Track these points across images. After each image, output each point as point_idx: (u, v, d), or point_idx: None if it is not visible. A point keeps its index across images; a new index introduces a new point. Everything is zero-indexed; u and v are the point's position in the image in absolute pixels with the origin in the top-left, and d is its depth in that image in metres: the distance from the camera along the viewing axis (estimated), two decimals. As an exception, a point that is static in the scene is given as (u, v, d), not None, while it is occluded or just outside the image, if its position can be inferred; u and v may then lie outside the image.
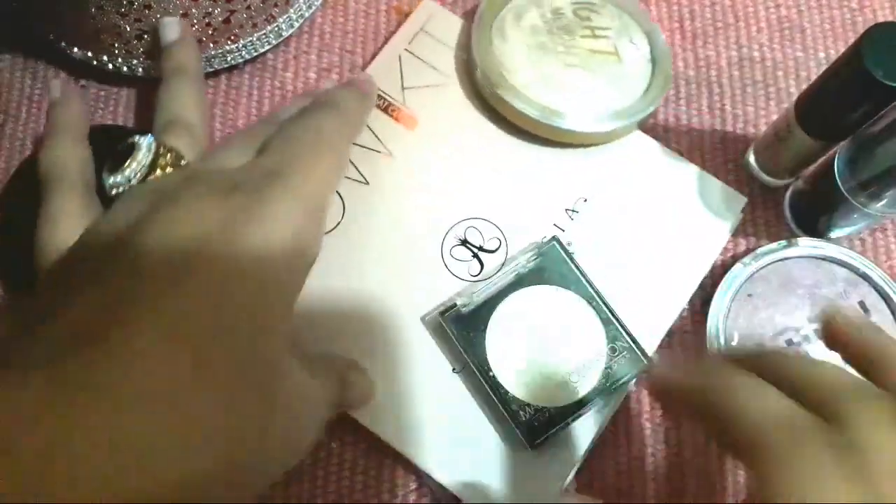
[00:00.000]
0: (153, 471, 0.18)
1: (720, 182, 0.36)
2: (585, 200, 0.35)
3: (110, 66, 0.37)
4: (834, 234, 0.35)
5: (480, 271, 0.34)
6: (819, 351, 0.32)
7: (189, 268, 0.21)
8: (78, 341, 0.19)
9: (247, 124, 0.38)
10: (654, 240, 0.35)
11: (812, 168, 0.35)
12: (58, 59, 0.39)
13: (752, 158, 0.37)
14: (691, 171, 0.36)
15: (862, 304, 0.34)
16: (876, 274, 0.34)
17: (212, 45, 0.37)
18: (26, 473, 0.16)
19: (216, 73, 0.39)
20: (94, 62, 0.37)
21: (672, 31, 0.40)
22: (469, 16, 0.38)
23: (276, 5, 0.37)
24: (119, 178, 0.26)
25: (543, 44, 0.37)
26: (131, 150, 0.27)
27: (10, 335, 0.22)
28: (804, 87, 0.38)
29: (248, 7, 0.36)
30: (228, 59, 0.38)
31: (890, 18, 0.40)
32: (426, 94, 0.37)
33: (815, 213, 0.35)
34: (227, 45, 0.37)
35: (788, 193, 0.37)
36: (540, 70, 0.36)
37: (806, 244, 0.35)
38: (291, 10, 0.38)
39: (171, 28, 0.34)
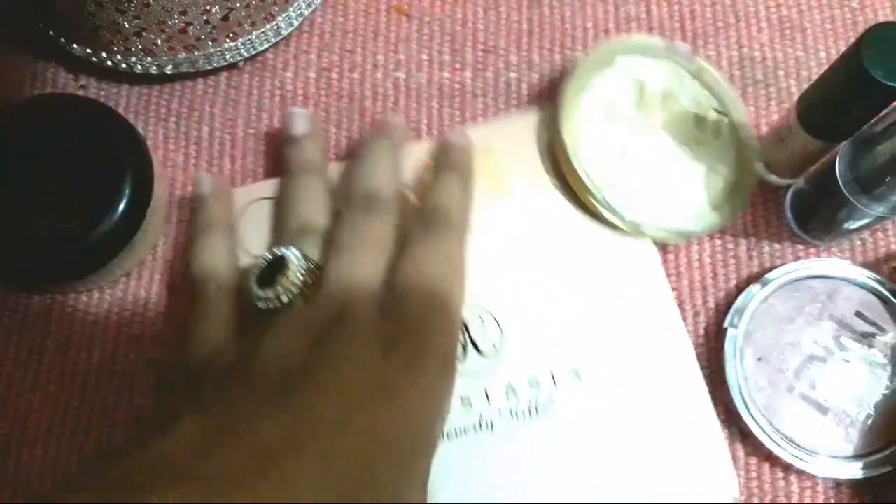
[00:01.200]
0: None
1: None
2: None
3: (109, 62, 0.38)
4: (836, 234, 0.36)
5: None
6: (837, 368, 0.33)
7: (348, 421, 0.23)
8: (248, 474, 0.20)
9: (247, 124, 0.39)
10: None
11: (813, 169, 0.35)
12: (57, 56, 0.39)
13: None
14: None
15: (859, 314, 0.34)
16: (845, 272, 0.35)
17: (210, 43, 0.37)
18: None
19: (215, 72, 0.39)
20: (94, 59, 0.38)
21: (672, 32, 0.40)
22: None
23: (275, 3, 0.37)
24: (270, 293, 0.27)
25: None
26: (281, 262, 0.28)
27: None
28: (805, 86, 0.39)
29: (247, 5, 0.36)
30: (227, 57, 0.38)
31: (891, 18, 0.41)
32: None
33: (817, 214, 0.35)
34: (226, 42, 0.37)
35: (789, 194, 0.37)
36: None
37: (775, 276, 0.34)
38: (291, 9, 0.38)
39: (301, 121, 0.35)
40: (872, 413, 0.32)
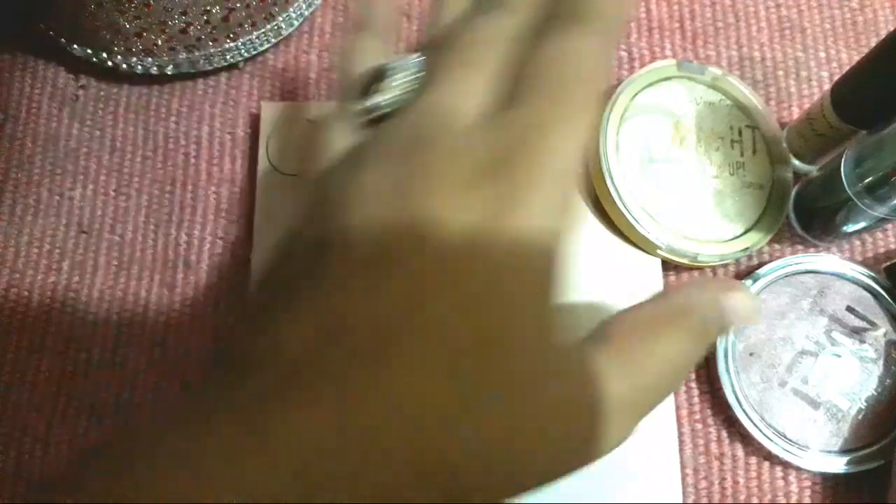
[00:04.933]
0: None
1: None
2: None
3: (109, 62, 0.41)
4: (837, 234, 0.39)
5: None
6: (831, 361, 0.37)
7: (462, 266, 0.21)
8: (370, 350, 0.20)
9: (247, 124, 0.43)
10: None
11: (818, 169, 0.39)
12: (57, 57, 0.43)
13: (784, 144, 0.41)
14: None
15: (851, 309, 0.38)
16: (841, 268, 0.38)
17: (211, 43, 0.41)
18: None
19: (215, 72, 0.43)
20: (94, 59, 0.41)
21: (672, 32, 0.44)
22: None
23: (275, 4, 0.41)
24: (366, 102, 0.24)
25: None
26: (382, 72, 0.25)
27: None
28: (804, 86, 0.43)
29: (248, 6, 0.40)
30: (227, 57, 0.42)
31: (891, 18, 0.44)
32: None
33: (820, 214, 0.39)
34: (227, 43, 0.41)
35: (793, 193, 0.41)
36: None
37: (766, 272, 0.38)
38: (291, 9, 0.42)
39: None
40: (864, 407, 0.36)
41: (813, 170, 0.40)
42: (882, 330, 0.37)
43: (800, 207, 0.40)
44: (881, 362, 0.37)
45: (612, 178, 0.38)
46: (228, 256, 0.40)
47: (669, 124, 0.40)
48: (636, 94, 0.40)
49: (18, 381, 0.39)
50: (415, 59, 0.25)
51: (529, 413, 0.20)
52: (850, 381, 0.36)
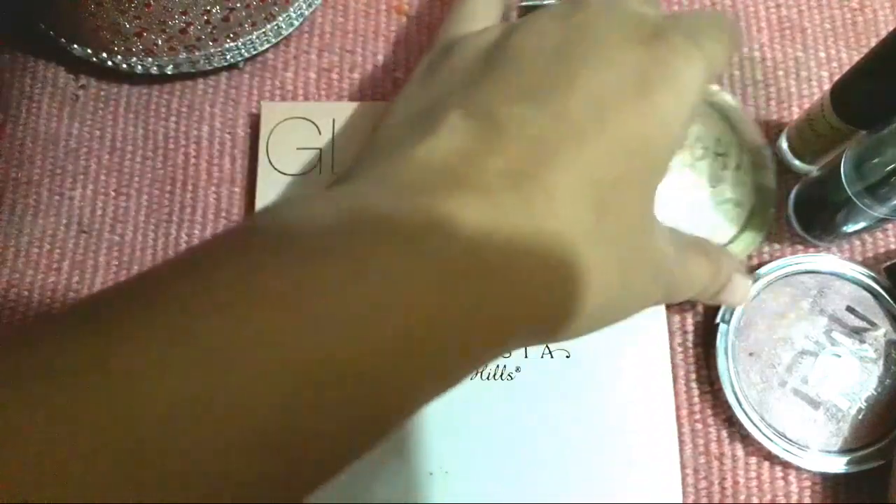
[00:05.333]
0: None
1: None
2: None
3: (110, 62, 0.42)
4: (837, 234, 0.40)
5: None
6: (831, 361, 0.37)
7: (609, 114, 0.23)
8: (519, 171, 0.22)
9: (247, 124, 0.43)
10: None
11: (818, 169, 0.40)
12: (57, 56, 0.43)
13: (784, 144, 0.41)
14: None
15: (851, 309, 0.38)
16: (840, 267, 0.38)
17: (211, 43, 0.41)
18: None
19: (216, 72, 0.43)
20: (94, 59, 0.42)
21: (673, 31, 0.45)
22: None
23: (275, 4, 0.42)
24: None
25: None
26: None
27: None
28: (804, 86, 0.44)
29: (248, 5, 0.41)
30: (228, 57, 0.42)
31: (891, 18, 0.45)
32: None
33: (820, 214, 0.39)
34: (227, 43, 0.42)
35: (793, 193, 0.41)
36: None
37: (766, 272, 0.38)
38: (291, 9, 0.42)
39: None
40: (864, 407, 0.36)
41: (813, 170, 0.41)
42: (882, 330, 0.37)
43: (800, 208, 0.40)
44: (881, 362, 0.37)
45: None
46: (228, 256, 0.41)
47: None
48: None
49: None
50: None
51: (640, 246, 0.25)
52: (850, 381, 0.37)
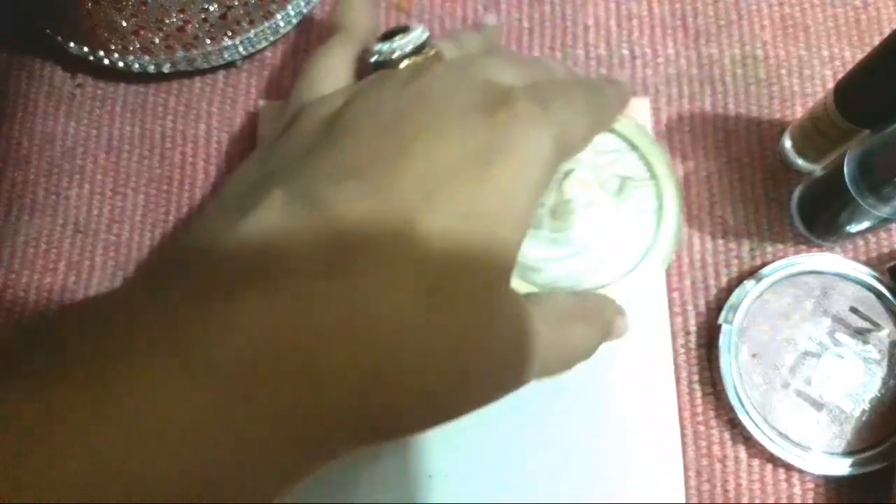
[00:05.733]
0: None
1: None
2: None
3: (106, 61, 0.42)
4: (841, 234, 0.40)
5: None
6: (833, 362, 0.37)
7: (442, 192, 0.22)
8: (336, 258, 0.20)
9: (245, 123, 0.43)
10: None
11: (821, 168, 0.39)
12: (54, 55, 0.43)
13: (787, 143, 0.41)
14: None
15: (854, 309, 0.38)
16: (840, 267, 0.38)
17: (208, 41, 0.41)
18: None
19: (213, 70, 0.43)
20: (91, 57, 0.42)
21: (674, 30, 0.45)
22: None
23: (273, 1, 0.41)
24: (385, 46, 0.28)
25: None
26: (405, 29, 0.29)
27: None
28: (807, 85, 0.44)
29: (245, 3, 0.41)
30: (225, 55, 0.42)
31: (894, 16, 0.45)
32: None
33: (823, 214, 0.39)
34: (224, 41, 0.42)
35: (796, 193, 0.41)
36: None
37: (769, 272, 0.38)
38: (289, 7, 0.42)
39: None
40: (867, 409, 0.36)
41: (816, 169, 0.40)
42: (886, 331, 0.37)
43: (803, 208, 0.40)
44: (885, 363, 0.37)
45: None
46: (226, 256, 0.41)
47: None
48: None
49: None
50: (424, 28, 0.29)
51: (481, 335, 0.22)
52: (854, 382, 0.36)
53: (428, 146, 0.22)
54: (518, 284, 0.37)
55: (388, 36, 0.29)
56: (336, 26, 0.31)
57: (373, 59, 0.29)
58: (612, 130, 0.39)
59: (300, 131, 0.25)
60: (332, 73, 0.29)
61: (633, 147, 0.40)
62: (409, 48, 0.28)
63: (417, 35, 0.28)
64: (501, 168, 0.22)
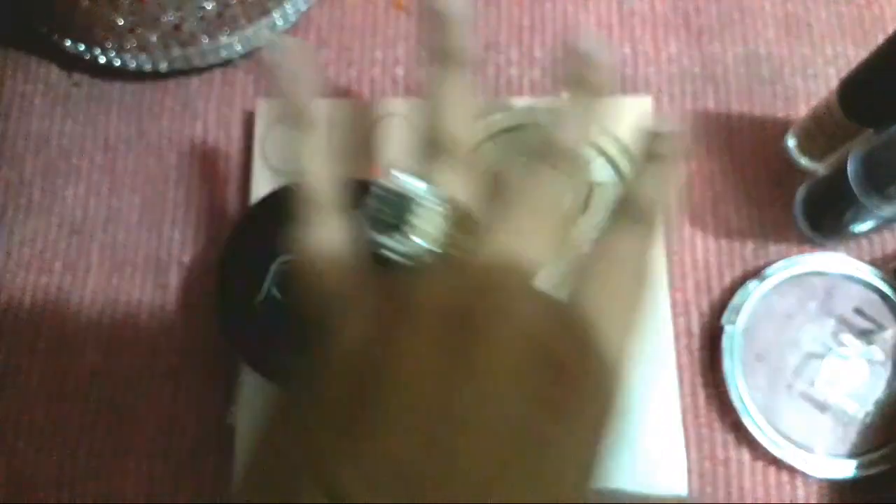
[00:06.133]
0: None
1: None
2: None
3: (103, 59, 0.42)
4: (845, 234, 0.39)
5: None
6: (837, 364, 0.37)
7: (493, 490, 0.20)
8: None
9: (242, 122, 0.43)
10: None
11: (825, 168, 0.39)
12: (50, 54, 0.43)
13: (791, 142, 0.41)
14: None
15: (859, 310, 0.38)
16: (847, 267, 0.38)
17: (205, 39, 0.41)
18: None
19: (210, 68, 0.43)
20: (87, 56, 0.42)
21: (677, 28, 0.44)
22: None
23: (270, -1, 0.41)
24: (391, 242, 0.23)
25: None
26: (408, 203, 0.23)
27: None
28: (811, 84, 0.43)
29: (243, 1, 0.40)
30: (222, 53, 0.42)
31: (899, 14, 0.45)
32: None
33: (827, 214, 0.39)
34: (222, 39, 0.41)
35: (800, 193, 0.41)
36: None
37: (773, 272, 0.38)
38: (287, 4, 0.42)
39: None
40: (871, 411, 0.36)
41: (820, 168, 0.40)
42: (890, 331, 0.37)
43: (807, 207, 0.40)
44: (889, 364, 0.37)
45: None
46: (224, 257, 0.40)
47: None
48: (483, 141, 0.40)
49: (11, 382, 0.39)
50: (438, 201, 0.23)
51: None
52: (858, 383, 0.36)
53: (476, 443, 0.20)
54: None
55: (386, 215, 0.23)
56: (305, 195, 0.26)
57: (384, 253, 0.23)
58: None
59: (328, 386, 0.22)
60: (326, 245, 0.25)
61: (601, 152, 0.40)
62: (423, 246, 0.23)
63: (436, 214, 0.23)
64: (554, 463, 0.21)
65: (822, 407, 0.36)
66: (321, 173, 0.26)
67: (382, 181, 0.23)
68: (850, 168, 0.35)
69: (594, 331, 0.23)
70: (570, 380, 0.21)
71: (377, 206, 0.23)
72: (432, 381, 0.21)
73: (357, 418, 0.21)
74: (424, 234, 0.23)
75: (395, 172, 0.23)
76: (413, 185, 0.23)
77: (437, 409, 0.21)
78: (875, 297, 0.38)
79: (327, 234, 0.25)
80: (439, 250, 0.23)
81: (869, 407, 0.36)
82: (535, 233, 0.24)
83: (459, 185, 0.25)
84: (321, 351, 0.23)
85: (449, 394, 0.21)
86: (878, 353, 0.37)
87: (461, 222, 0.24)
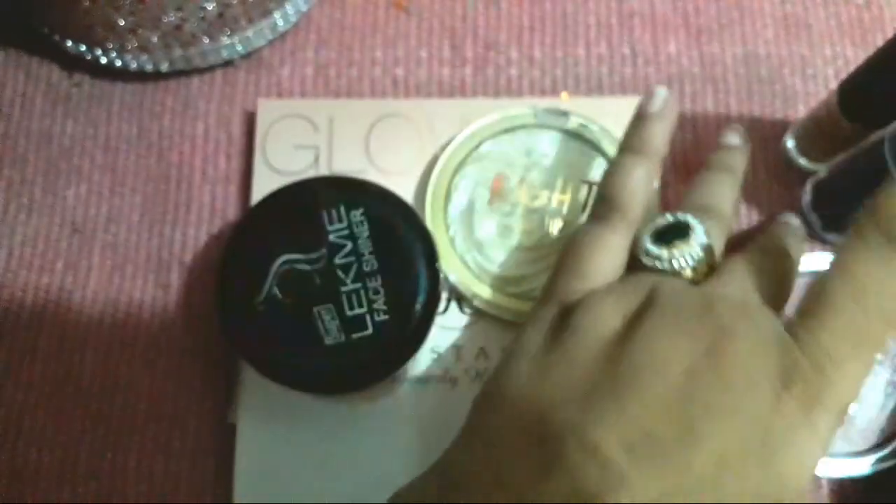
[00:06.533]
0: None
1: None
2: None
3: (104, 59, 0.42)
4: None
5: None
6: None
7: (728, 476, 0.22)
8: None
9: (243, 122, 0.43)
10: None
11: (847, 156, 0.38)
12: (51, 54, 0.43)
13: (790, 143, 0.41)
14: None
15: None
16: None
17: (206, 39, 0.41)
18: None
19: (211, 69, 0.43)
20: (88, 56, 0.42)
21: (676, 28, 0.45)
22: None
23: (271, 0, 0.42)
24: (663, 251, 0.28)
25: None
26: (684, 228, 0.29)
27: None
28: (810, 84, 0.44)
29: (244, 2, 0.40)
30: (223, 54, 0.42)
31: (898, 14, 0.45)
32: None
33: (851, 202, 0.37)
34: (223, 39, 0.42)
35: (808, 189, 0.40)
36: None
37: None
38: (287, 5, 0.42)
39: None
40: (872, 410, 0.36)
41: (820, 169, 0.40)
42: None
43: (818, 206, 0.40)
44: (888, 365, 0.37)
45: (444, 225, 0.39)
46: (224, 256, 0.41)
47: (503, 176, 0.40)
48: (483, 140, 0.40)
49: (12, 382, 0.39)
50: (703, 233, 0.29)
51: None
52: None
53: (719, 427, 0.23)
54: (497, 298, 0.37)
55: (664, 234, 0.29)
56: (611, 201, 0.31)
57: (643, 259, 0.29)
58: (579, 137, 0.40)
59: (577, 355, 0.26)
60: (604, 265, 0.29)
61: (600, 152, 0.40)
62: (690, 264, 0.28)
63: (699, 247, 0.28)
64: (788, 460, 0.23)
65: None
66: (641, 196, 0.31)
67: (672, 212, 0.30)
68: (888, 146, 0.33)
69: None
70: (806, 388, 0.23)
71: (663, 224, 0.30)
72: (682, 365, 0.24)
73: (603, 389, 0.24)
74: (683, 253, 0.28)
75: (680, 213, 0.30)
76: (692, 219, 0.29)
77: (686, 391, 0.23)
78: None
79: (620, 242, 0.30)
80: (691, 271, 0.28)
81: (869, 407, 0.36)
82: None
83: (718, 240, 0.30)
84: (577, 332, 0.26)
85: (696, 379, 0.23)
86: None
87: (711, 262, 0.29)
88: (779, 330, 0.24)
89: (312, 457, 0.37)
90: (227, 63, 0.43)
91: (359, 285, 0.35)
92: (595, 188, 0.39)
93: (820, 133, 0.39)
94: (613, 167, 0.32)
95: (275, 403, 0.37)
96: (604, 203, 0.31)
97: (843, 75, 0.38)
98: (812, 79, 0.44)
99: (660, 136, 0.33)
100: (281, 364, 0.34)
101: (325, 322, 0.34)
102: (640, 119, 0.33)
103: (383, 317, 0.34)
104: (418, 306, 0.35)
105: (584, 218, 0.39)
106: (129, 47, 0.41)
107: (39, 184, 0.42)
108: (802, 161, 0.41)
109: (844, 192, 0.39)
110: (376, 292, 0.35)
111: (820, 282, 0.25)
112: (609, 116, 0.40)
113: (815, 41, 0.44)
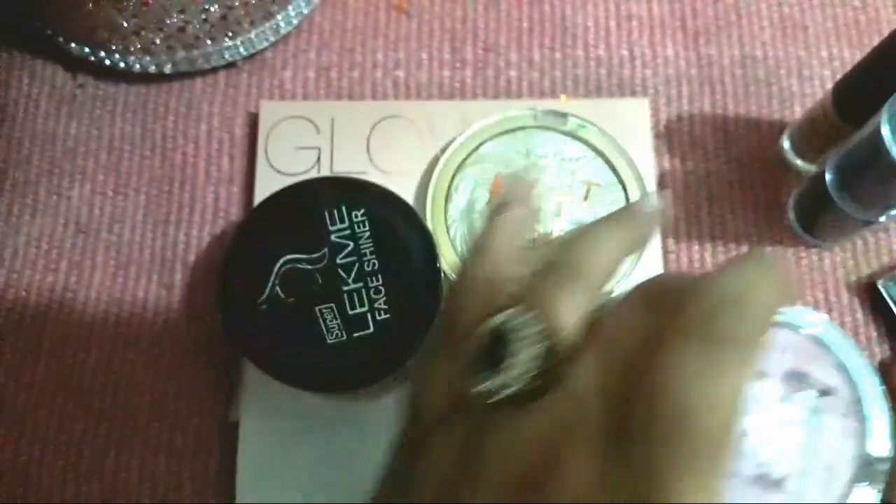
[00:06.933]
0: None
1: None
2: None
3: (107, 61, 0.42)
4: (834, 235, 0.40)
5: None
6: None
7: None
8: None
9: (246, 124, 0.43)
10: None
11: (844, 150, 0.38)
12: (55, 55, 0.44)
13: (786, 143, 0.42)
14: None
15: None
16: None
17: (209, 41, 0.42)
18: None
19: (214, 71, 0.44)
20: (92, 58, 0.42)
21: (674, 30, 0.45)
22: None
23: (274, 2, 0.42)
24: (490, 382, 0.22)
25: None
26: (505, 343, 0.22)
27: None
28: (807, 86, 0.44)
29: (246, 4, 0.41)
30: (226, 55, 0.43)
31: (893, 16, 0.45)
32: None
33: (815, 216, 0.39)
34: (225, 41, 0.42)
35: (793, 194, 0.41)
36: None
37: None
38: (290, 8, 0.43)
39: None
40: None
41: (815, 169, 0.41)
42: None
43: (798, 210, 0.40)
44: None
45: (444, 225, 0.40)
46: (227, 256, 0.41)
47: (503, 176, 0.41)
48: (483, 142, 0.41)
49: (15, 381, 0.39)
50: (527, 318, 0.22)
51: None
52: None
53: None
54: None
55: (496, 339, 0.22)
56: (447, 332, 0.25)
57: (494, 398, 0.22)
58: (577, 138, 0.41)
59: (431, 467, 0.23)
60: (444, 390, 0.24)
61: (598, 153, 0.41)
62: (517, 384, 0.22)
63: (524, 356, 0.22)
64: None
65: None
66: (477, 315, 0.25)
67: (484, 326, 0.23)
68: (827, 174, 0.35)
69: None
70: None
71: (475, 352, 0.23)
72: None
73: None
74: (515, 373, 0.22)
75: (498, 317, 0.23)
76: (514, 319, 0.22)
77: None
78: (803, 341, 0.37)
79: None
80: (526, 386, 0.22)
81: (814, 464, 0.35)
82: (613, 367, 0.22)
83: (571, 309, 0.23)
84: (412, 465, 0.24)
85: None
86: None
87: (558, 351, 0.23)
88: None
89: (314, 455, 0.37)
90: (230, 65, 0.44)
91: (360, 285, 0.35)
92: (595, 188, 0.39)
93: (815, 134, 0.39)
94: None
95: (276, 402, 0.37)
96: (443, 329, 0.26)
97: (839, 77, 0.38)
98: (809, 80, 0.44)
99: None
100: (283, 363, 0.35)
101: (326, 321, 0.35)
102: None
103: (384, 316, 0.35)
104: (419, 306, 0.35)
105: (580, 214, 0.39)
106: (133, 49, 0.41)
107: (44, 184, 0.42)
108: (799, 162, 0.41)
109: (808, 203, 0.39)
110: (377, 292, 0.35)
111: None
112: (607, 118, 0.41)
113: (811, 43, 0.45)
